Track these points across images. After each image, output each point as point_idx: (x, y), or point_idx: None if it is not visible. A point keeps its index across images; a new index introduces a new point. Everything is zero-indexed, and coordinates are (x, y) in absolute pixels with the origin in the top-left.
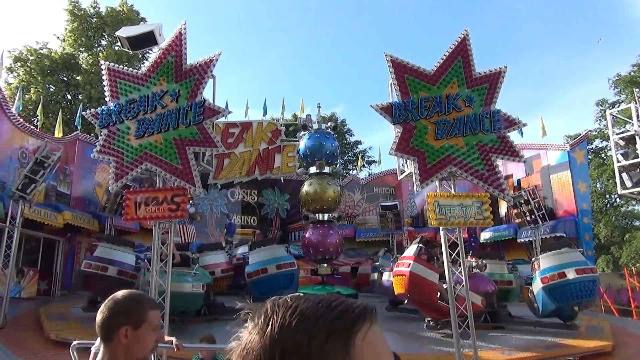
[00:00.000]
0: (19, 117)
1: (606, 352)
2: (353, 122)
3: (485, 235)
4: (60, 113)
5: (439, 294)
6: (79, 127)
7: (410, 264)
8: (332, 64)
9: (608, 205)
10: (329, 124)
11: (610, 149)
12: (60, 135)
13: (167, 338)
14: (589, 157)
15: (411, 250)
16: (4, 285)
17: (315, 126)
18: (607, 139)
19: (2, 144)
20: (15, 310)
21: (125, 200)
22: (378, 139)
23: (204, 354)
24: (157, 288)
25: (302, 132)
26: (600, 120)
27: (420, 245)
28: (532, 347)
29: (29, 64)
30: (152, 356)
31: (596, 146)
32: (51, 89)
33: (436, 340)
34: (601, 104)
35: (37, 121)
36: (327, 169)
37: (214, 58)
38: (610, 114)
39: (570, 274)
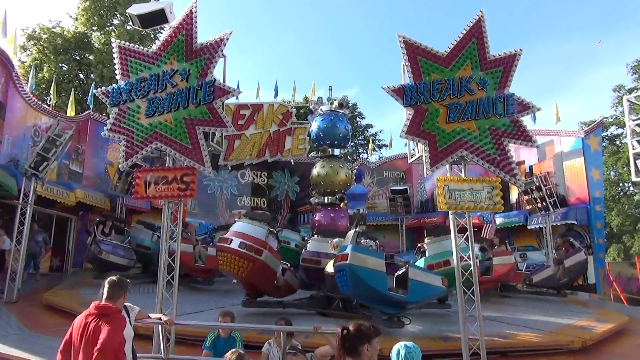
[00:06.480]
0: (32, 96)
1: (619, 334)
2: (367, 105)
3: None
4: (72, 92)
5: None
6: (91, 106)
7: None
8: (346, 46)
9: (621, 194)
10: (335, 102)
11: (625, 136)
12: (73, 114)
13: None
14: (604, 144)
15: None
16: (17, 261)
17: (326, 108)
18: (623, 126)
19: (15, 122)
20: (29, 285)
21: (135, 179)
22: (390, 122)
23: (222, 331)
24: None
25: (311, 116)
26: (616, 106)
27: None
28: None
29: (42, 43)
30: (160, 332)
31: (611, 133)
32: (64, 68)
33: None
34: (618, 90)
35: (50, 100)
36: (337, 152)
37: (225, 37)
38: (627, 100)
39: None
